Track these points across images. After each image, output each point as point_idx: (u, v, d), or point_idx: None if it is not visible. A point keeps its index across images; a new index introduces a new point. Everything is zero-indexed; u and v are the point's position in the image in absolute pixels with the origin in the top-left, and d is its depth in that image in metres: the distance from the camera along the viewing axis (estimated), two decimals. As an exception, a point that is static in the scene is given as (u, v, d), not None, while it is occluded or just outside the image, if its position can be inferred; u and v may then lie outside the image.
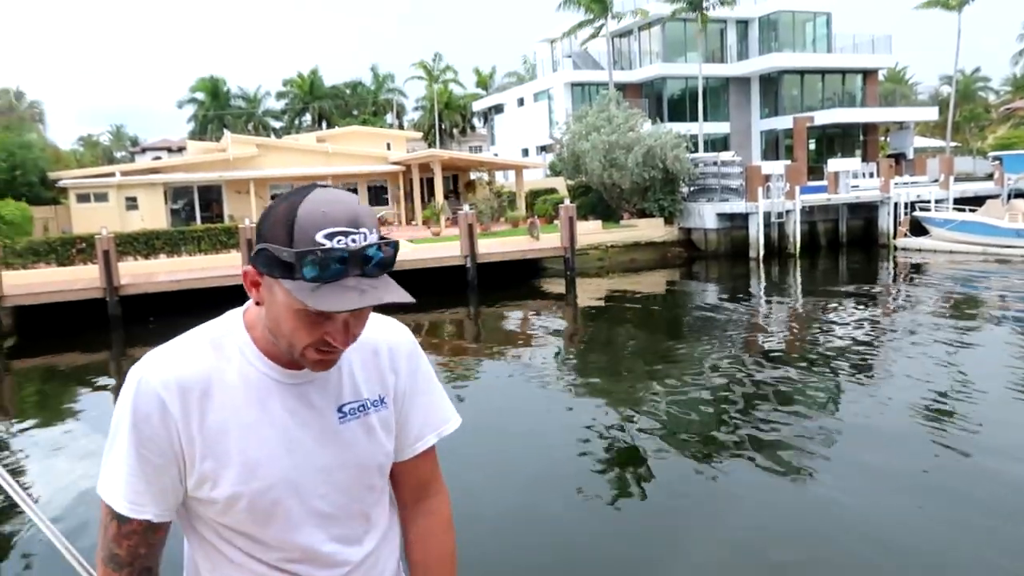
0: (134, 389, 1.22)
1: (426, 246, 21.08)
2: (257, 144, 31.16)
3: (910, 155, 37.01)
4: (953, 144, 42.13)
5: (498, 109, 46.95)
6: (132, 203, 26.52)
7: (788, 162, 26.91)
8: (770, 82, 38.39)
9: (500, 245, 20.73)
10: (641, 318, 15.73)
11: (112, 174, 27.24)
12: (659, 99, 37.47)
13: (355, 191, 30.19)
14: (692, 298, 18.21)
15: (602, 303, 18.04)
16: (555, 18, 61.46)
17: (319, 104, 58.75)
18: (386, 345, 1.42)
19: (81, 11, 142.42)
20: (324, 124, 55.71)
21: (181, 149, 50.52)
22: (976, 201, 24.70)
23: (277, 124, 60.49)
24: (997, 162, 28.78)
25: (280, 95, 60.19)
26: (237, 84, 70.11)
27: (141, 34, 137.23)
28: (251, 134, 49.93)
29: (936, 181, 27.04)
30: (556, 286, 19.87)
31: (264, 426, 1.27)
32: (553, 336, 14.57)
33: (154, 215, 26.51)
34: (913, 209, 24.36)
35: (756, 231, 22.74)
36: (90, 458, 7.53)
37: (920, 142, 41.32)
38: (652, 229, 24.39)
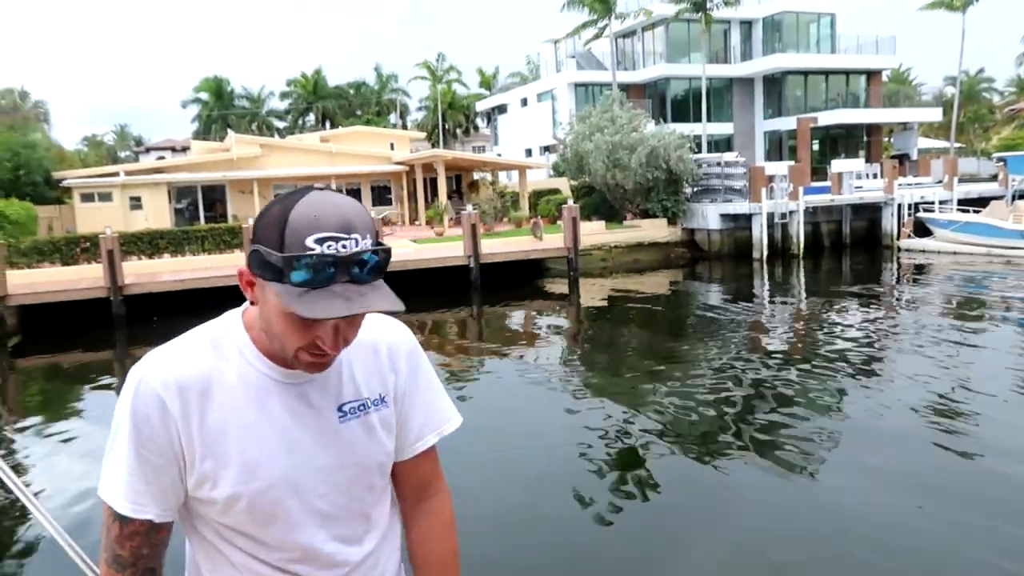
0: (133, 389, 1.23)
1: (429, 246, 21.08)
2: (261, 144, 31.22)
3: (914, 156, 36.92)
4: (957, 145, 42.05)
5: (501, 109, 46.96)
6: (136, 203, 26.62)
7: (792, 163, 26.84)
8: (774, 83, 38.35)
9: (503, 245, 20.72)
10: (644, 318, 15.72)
11: (116, 174, 27.35)
12: (663, 100, 37.46)
13: (358, 191, 30.21)
14: (695, 299, 18.18)
15: (605, 303, 18.03)
16: (559, 18, 61.64)
17: (323, 104, 58.80)
18: (386, 344, 1.42)
19: (85, 11, 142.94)
20: (328, 124, 55.76)
21: (185, 149, 50.58)
22: (980, 202, 24.65)
23: (281, 124, 60.58)
24: (1001, 163, 28.70)
25: (284, 95, 60.32)
26: (241, 84, 70.53)
27: (145, 34, 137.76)
28: (255, 134, 50.04)
29: (940, 182, 27.01)
30: (559, 286, 19.86)
31: (264, 426, 1.27)
32: (556, 336, 14.57)
33: (158, 215, 26.59)
34: (917, 210, 24.32)
35: (760, 232, 22.70)
36: (93, 456, 7.54)
37: (924, 143, 41.22)
38: (655, 230, 24.35)
